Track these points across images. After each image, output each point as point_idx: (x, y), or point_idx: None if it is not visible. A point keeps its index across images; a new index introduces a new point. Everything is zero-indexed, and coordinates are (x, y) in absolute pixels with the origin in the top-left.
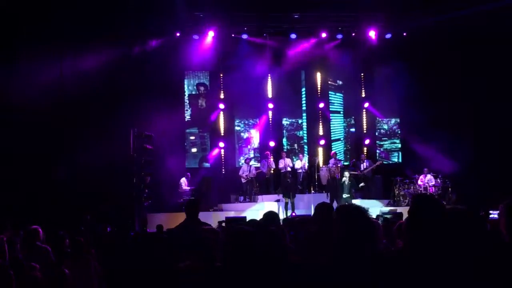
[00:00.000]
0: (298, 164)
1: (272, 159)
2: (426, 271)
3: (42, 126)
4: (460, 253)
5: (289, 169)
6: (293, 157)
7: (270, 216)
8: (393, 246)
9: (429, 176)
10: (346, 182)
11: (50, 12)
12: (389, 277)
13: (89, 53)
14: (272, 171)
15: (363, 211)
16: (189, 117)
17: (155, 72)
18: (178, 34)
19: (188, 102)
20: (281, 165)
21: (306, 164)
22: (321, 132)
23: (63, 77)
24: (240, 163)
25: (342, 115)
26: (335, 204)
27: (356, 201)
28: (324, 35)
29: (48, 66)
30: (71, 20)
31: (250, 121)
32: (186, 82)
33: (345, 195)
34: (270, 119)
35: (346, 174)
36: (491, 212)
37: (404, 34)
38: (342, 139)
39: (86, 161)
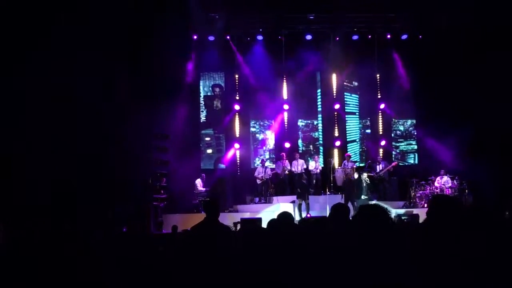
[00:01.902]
0: (311, 165)
1: (287, 161)
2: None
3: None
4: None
5: (303, 170)
6: (309, 158)
7: (284, 217)
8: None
9: (445, 178)
10: (364, 184)
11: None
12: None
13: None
14: (286, 172)
15: (385, 211)
16: (204, 118)
17: (171, 73)
18: (195, 37)
19: (203, 103)
20: (294, 166)
21: (320, 166)
22: (336, 134)
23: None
24: (256, 164)
25: (357, 116)
26: (349, 206)
27: (372, 203)
28: (339, 36)
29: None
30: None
31: (266, 122)
32: (201, 83)
33: (363, 196)
34: (286, 121)
35: (364, 175)
36: (507, 213)
37: (420, 36)
38: (357, 140)
39: (102, 160)
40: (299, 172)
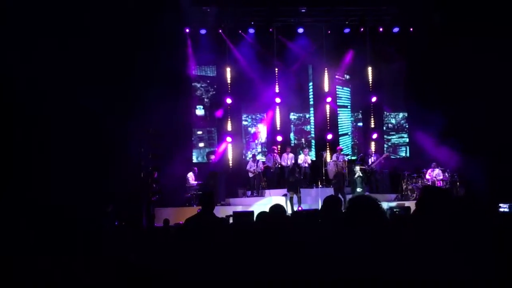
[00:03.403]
0: (300, 158)
1: (277, 154)
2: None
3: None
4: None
5: (291, 164)
6: (300, 151)
7: (276, 209)
8: None
9: (437, 171)
10: (358, 177)
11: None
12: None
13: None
14: (277, 166)
15: (375, 201)
16: (196, 111)
17: (163, 66)
18: (187, 30)
19: (195, 96)
20: (283, 160)
21: (309, 159)
22: (328, 127)
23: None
24: (248, 158)
25: (349, 109)
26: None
27: (362, 194)
28: (331, 29)
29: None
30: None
31: (258, 115)
32: (193, 76)
33: (358, 189)
34: (278, 114)
35: (357, 168)
36: (500, 205)
37: (411, 29)
38: (349, 133)
39: (94, 154)
40: (288, 165)
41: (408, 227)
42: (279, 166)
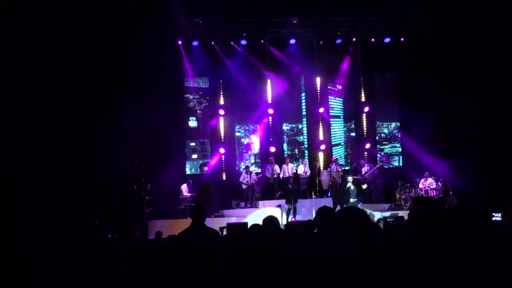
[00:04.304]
0: (300, 169)
1: (276, 165)
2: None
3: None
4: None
5: (291, 175)
6: (295, 162)
7: (270, 221)
8: None
9: (430, 180)
10: (352, 187)
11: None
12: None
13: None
14: (275, 176)
15: (364, 215)
16: (189, 123)
17: (155, 79)
18: (180, 42)
19: (188, 108)
20: (284, 171)
21: (309, 170)
22: (321, 137)
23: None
24: (241, 169)
25: (342, 119)
26: (338, 209)
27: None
28: (323, 40)
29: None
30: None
31: (251, 126)
32: (186, 88)
33: (352, 199)
34: (270, 125)
35: (350, 179)
36: (493, 214)
37: (402, 39)
38: (342, 143)
39: (86, 166)
40: (289, 176)
41: (401, 236)
42: (277, 177)
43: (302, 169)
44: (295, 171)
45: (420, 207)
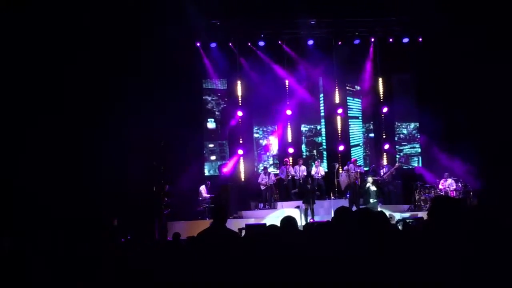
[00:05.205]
0: (313, 170)
1: (290, 166)
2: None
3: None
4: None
5: (303, 176)
6: (312, 163)
7: (287, 221)
8: None
9: (449, 181)
10: (372, 188)
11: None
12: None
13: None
14: (289, 178)
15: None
16: (207, 124)
17: (174, 80)
18: (198, 44)
19: (206, 109)
20: (296, 172)
21: (322, 170)
22: (340, 138)
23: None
24: (259, 170)
25: (360, 120)
26: (353, 209)
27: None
28: (341, 40)
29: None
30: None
31: (269, 128)
32: (204, 89)
33: (372, 200)
34: (289, 126)
35: (370, 179)
36: None
37: (420, 39)
38: (361, 144)
39: (106, 168)
40: (300, 177)
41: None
42: (292, 178)
43: (314, 170)
44: (306, 172)
45: (439, 207)
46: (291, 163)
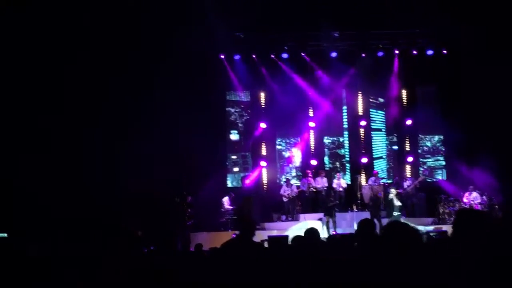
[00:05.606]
0: (335, 182)
1: (311, 178)
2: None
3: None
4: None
5: (324, 188)
6: (334, 175)
7: (311, 232)
8: None
9: (474, 194)
10: (395, 201)
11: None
12: None
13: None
14: (311, 190)
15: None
16: (230, 136)
17: (197, 92)
18: (222, 56)
19: (229, 121)
20: (318, 184)
21: (344, 183)
22: (363, 150)
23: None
24: (282, 182)
25: (384, 132)
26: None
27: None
28: (364, 53)
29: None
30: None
31: (292, 140)
32: (227, 101)
33: (395, 213)
34: (312, 138)
35: (393, 191)
36: None
37: (444, 51)
38: (384, 157)
39: (129, 179)
40: (321, 189)
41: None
42: (314, 190)
43: (336, 182)
44: (327, 184)
45: (464, 220)
46: (312, 175)
